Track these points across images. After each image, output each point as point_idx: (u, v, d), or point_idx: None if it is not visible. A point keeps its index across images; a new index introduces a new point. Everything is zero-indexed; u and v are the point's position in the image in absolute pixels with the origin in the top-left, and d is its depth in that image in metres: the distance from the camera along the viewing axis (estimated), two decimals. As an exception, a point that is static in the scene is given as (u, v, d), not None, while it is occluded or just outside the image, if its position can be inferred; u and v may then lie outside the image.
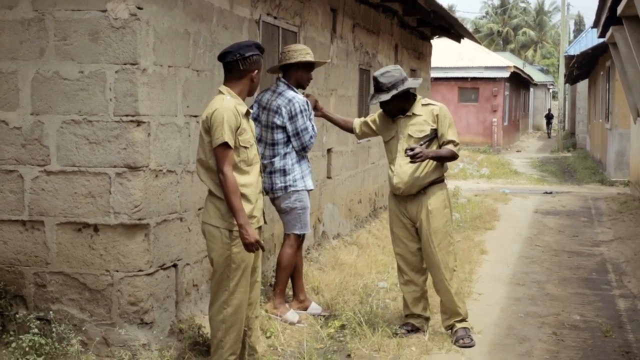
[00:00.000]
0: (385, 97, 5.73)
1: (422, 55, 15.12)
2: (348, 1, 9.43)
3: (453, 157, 5.76)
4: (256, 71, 4.58)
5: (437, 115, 5.75)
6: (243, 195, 4.40)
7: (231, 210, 4.34)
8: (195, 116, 5.44)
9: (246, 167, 4.46)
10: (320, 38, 8.32)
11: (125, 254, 4.82)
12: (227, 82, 4.57)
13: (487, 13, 77.40)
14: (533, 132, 53.35)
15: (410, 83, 5.79)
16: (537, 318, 6.47)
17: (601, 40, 16.84)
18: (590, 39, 25.49)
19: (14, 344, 4.60)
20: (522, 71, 37.31)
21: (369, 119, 6.16)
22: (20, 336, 4.64)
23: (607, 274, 8.42)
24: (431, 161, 5.71)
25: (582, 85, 34.52)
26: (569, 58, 27.71)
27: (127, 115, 4.75)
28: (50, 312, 4.88)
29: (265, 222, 4.72)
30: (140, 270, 4.84)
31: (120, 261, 4.83)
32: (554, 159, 29.17)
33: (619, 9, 10.75)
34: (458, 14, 75.23)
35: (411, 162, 5.59)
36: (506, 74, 30.90)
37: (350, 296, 6.77)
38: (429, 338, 5.66)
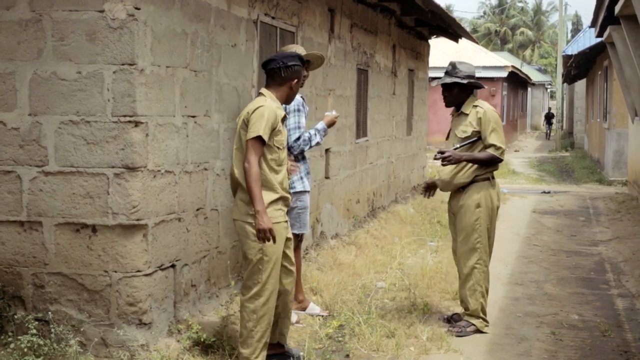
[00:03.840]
0: (449, 79, 6.01)
1: (420, 55, 15.12)
2: (346, 1, 9.43)
3: (493, 160, 5.92)
4: (296, 80, 4.99)
5: (480, 118, 5.92)
6: (274, 190, 4.74)
7: (250, 198, 4.61)
8: (194, 116, 5.43)
9: (277, 166, 4.80)
10: (318, 38, 8.32)
11: (123, 254, 4.82)
12: (268, 87, 4.97)
13: (484, 13, 77.47)
14: (531, 131, 53.40)
15: (469, 82, 5.99)
16: (535, 318, 6.47)
17: (599, 39, 16.86)
18: (588, 38, 25.50)
19: (12, 345, 4.59)
20: (520, 71, 37.31)
21: None
22: (19, 337, 4.63)
23: (606, 273, 8.42)
24: (470, 164, 5.91)
25: (580, 85, 34.54)
26: (566, 58, 27.72)
27: (125, 116, 4.75)
28: (49, 312, 4.88)
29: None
30: (138, 271, 4.84)
31: (118, 262, 4.82)
32: (552, 158, 29.18)
33: (617, 9, 10.76)
34: (455, 14, 75.28)
35: (442, 164, 5.89)
36: (504, 74, 30.91)
37: (348, 296, 6.77)
38: (427, 338, 5.66)
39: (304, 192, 6.09)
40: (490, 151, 5.89)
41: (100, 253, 4.84)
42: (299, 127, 5.96)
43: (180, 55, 5.25)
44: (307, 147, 5.98)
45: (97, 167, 4.80)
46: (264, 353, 4.83)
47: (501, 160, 5.97)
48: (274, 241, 4.63)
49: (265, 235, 4.56)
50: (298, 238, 6.15)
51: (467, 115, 6.00)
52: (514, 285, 7.71)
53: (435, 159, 5.89)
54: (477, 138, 5.95)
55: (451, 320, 6.16)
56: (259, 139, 4.64)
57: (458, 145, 5.94)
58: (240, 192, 4.77)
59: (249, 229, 4.70)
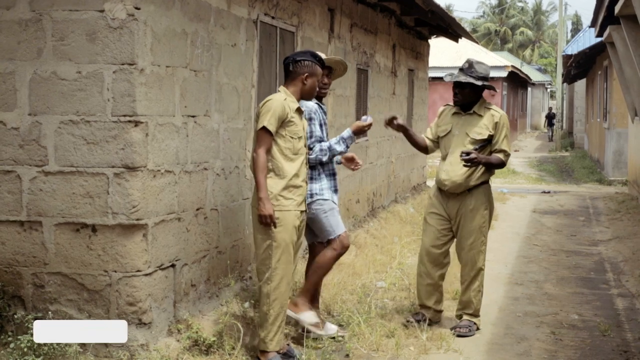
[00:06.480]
0: (464, 78, 5.90)
1: (420, 55, 15.12)
2: (346, 1, 9.43)
3: (501, 165, 6.01)
4: (307, 74, 5.15)
5: (496, 123, 5.92)
6: (286, 178, 4.94)
7: (255, 185, 4.88)
8: (193, 116, 5.44)
9: (292, 155, 5.00)
10: (318, 38, 8.32)
11: (123, 254, 4.82)
12: (284, 84, 5.25)
13: (484, 13, 77.48)
14: (531, 131, 53.43)
15: (482, 85, 5.92)
16: (535, 317, 6.47)
17: (599, 39, 16.84)
18: (588, 38, 25.48)
19: (12, 345, 4.59)
20: (520, 71, 37.29)
21: (429, 130, 6.26)
22: (19, 337, 4.63)
23: (605, 273, 8.43)
24: (480, 167, 5.89)
25: (580, 85, 34.53)
26: (566, 57, 27.70)
27: (124, 116, 4.75)
28: (49, 312, 4.88)
29: (306, 210, 5.19)
30: (138, 271, 4.84)
31: (118, 261, 4.82)
32: (551, 158, 29.19)
33: (617, 9, 10.75)
34: (455, 14, 75.26)
35: (465, 165, 5.75)
36: (504, 74, 30.89)
37: (348, 296, 6.77)
38: (427, 338, 5.66)
39: (326, 200, 5.63)
40: (500, 156, 5.92)
41: (100, 253, 4.84)
42: (311, 137, 5.54)
43: (180, 55, 5.25)
44: (325, 157, 5.55)
45: (97, 166, 4.80)
46: (279, 337, 4.97)
47: (505, 165, 6.10)
48: (274, 226, 4.86)
49: (265, 220, 4.82)
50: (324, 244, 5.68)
51: (480, 116, 5.92)
52: (513, 285, 7.71)
53: (461, 158, 5.71)
54: (489, 142, 5.93)
55: (418, 320, 5.91)
56: (265, 129, 4.89)
57: (477, 147, 5.85)
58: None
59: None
